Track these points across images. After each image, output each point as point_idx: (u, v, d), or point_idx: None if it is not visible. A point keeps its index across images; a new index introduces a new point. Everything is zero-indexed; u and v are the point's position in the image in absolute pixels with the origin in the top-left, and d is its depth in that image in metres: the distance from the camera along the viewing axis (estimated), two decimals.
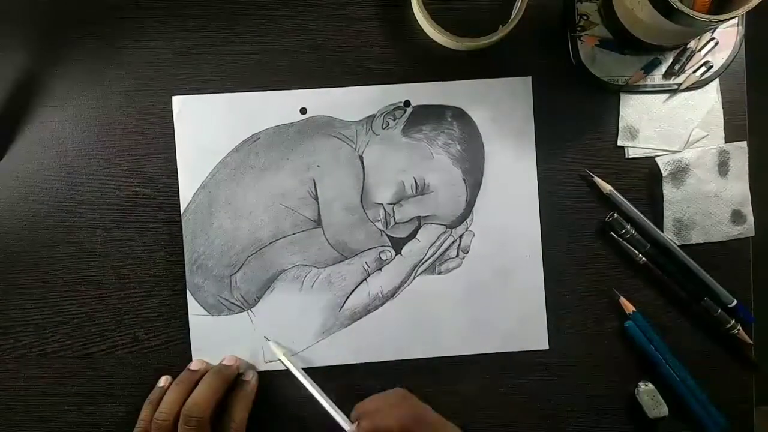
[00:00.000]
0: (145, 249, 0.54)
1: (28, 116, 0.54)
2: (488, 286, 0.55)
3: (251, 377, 0.53)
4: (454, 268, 0.55)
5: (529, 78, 0.55)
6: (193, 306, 0.54)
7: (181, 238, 0.54)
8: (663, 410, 0.54)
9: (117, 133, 0.54)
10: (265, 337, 0.54)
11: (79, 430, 0.54)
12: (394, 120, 0.55)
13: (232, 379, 0.52)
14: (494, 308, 0.55)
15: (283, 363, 0.53)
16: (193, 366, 0.53)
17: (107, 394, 0.54)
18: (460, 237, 0.55)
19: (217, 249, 0.54)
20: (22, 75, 0.54)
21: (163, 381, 0.53)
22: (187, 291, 0.54)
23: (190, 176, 0.54)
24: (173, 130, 0.54)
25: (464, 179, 0.55)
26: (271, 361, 0.54)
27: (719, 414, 0.54)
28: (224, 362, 0.53)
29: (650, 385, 0.54)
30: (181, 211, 0.54)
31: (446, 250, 0.55)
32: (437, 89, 0.55)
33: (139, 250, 0.54)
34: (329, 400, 0.51)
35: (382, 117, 0.55)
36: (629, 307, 0.54)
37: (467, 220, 0.55)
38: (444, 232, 0.55)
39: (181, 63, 0.54)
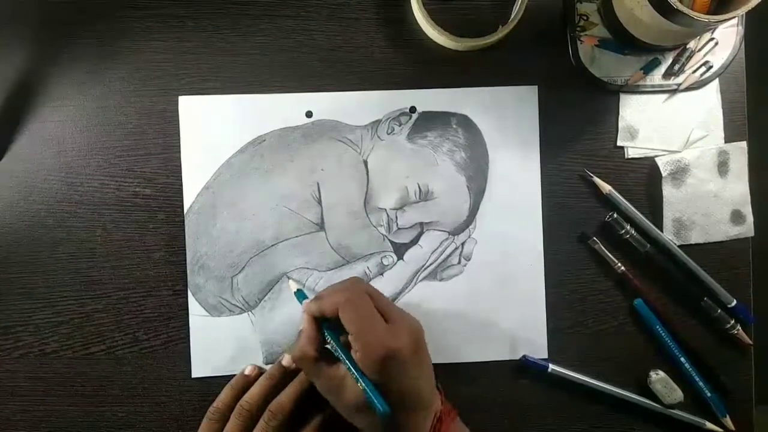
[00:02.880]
0: (145, 249, 0.54)
1: (28, 116, 0.54)
2: (489, 293, 0.55)
3: None
4: (455, 275, 0.55)
5: (535, 87, 0.55)
6: (193, 306, 0.54)
7: (182, 238, 0.54)
8: (678, 395, 0.54)
9: (117, 133, 0.54)
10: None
11: (79, 430, 0.54)
12: (400, 125, 0.55)
13: None
14: (494, 315, 0.55)
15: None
16: (285, 362, 0.51)
17: (107, 394, 0.54)
18: (463, 244, 0.55)
19: (219, 250, 0.54)
20: (22, 75, 0.54)
21: (249, 369, 0.52)
22: (188, 291, 0.54)
23: (195, 176, 0.54)
24: (173, 130, 0.54)
25: (468, 186, 0.55)
26: (271, 363, 0.54)
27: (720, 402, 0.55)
28: None
29: (661, 373, 0.54)
30: (185, 211, 0.54)
31: (448, 256, 0.55)
32: (443, 96, 0.55)
33: (139, 250, 0.54)
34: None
35: (387, 122, 0.55)
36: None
37: (470, 227, 0.55)
38: (446, 239, 0.55)
39: (181, 63, 0.54)
